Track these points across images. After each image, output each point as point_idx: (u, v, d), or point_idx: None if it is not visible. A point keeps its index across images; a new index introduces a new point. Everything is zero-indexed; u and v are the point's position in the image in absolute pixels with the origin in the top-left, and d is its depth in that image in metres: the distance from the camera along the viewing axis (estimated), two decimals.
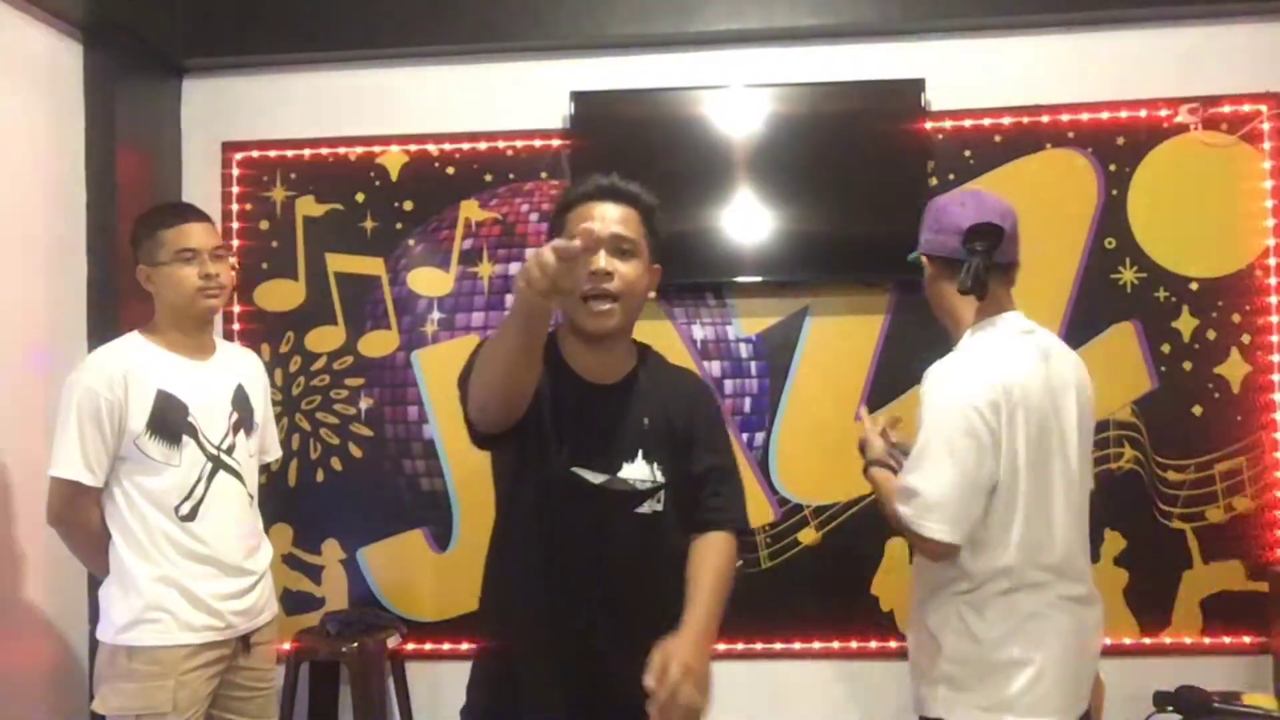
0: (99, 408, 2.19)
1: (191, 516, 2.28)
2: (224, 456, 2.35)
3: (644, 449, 1.78)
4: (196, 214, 2.38)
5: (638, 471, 1.77)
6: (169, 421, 2.26)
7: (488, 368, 1.57)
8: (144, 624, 2.22)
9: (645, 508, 1.78)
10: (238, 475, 2.37)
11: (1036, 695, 1.91)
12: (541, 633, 1.76)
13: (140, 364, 2.26)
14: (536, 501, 1.76)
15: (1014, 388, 1.91)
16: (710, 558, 1.81)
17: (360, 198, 3.38)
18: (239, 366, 2.46)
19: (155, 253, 2.29)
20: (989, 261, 1.94)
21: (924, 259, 2.08)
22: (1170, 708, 2.77)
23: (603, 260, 1.71)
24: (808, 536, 3.24)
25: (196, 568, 2.27)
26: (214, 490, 2.31)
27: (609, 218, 1.76)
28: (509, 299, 3.31)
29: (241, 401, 2.42)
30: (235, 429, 2.38)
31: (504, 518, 1.86)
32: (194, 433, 2.29)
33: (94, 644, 2.97)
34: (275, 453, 2.64)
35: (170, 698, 2.20)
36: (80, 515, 2.26)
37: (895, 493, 1.99)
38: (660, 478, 1.79)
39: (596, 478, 1.75)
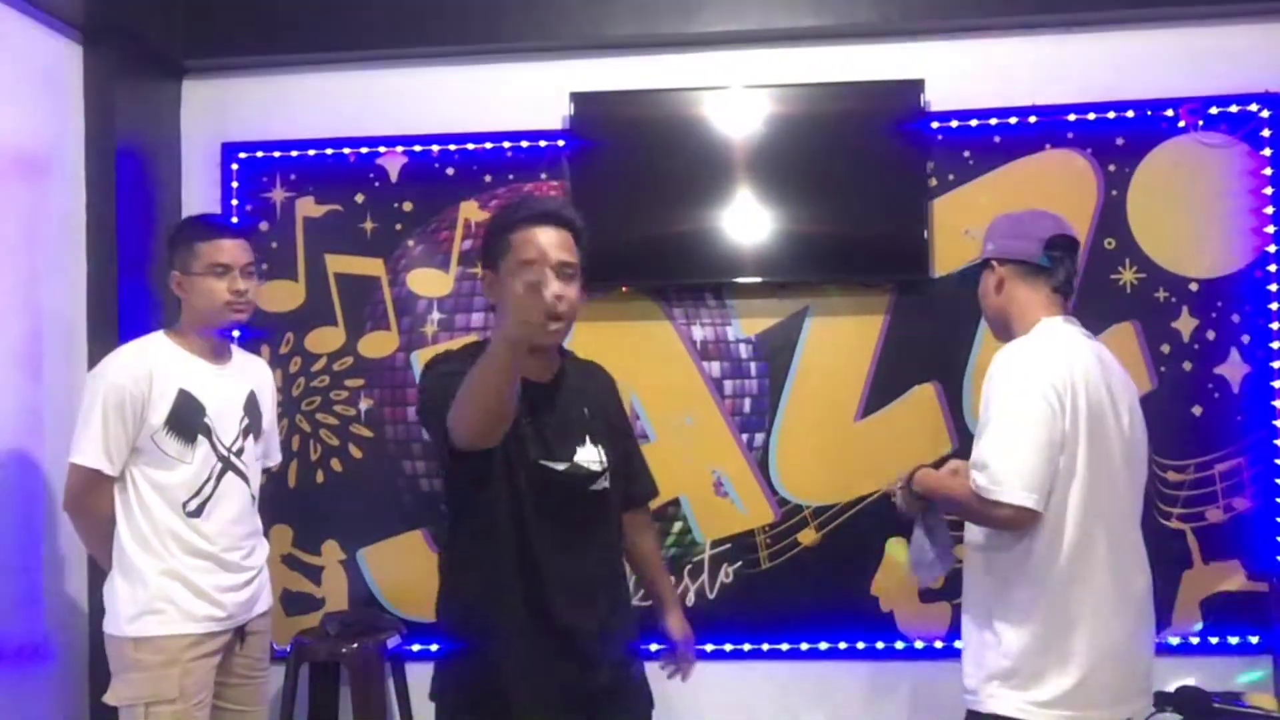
0: (123, 401, 2.29)
1: (198, 513, 2.37)
2: (233, 458, 2.44)
3: (589, 434, 1.98)
4: (232, 230, 2.49)
5: (588, 455, 1.96)
6: (186, 420, 2.36)
7: (480, 405, 1.66)
8: (149, 615, 2.31)
9: (598, 485, 1.97)
10: (244, 477, 2.47)
11: (1094, 688, 1.96)
12: (521, 618, 1.88)
13: (164, 362, 2.37)
14: (510, 496, 1.88)
15: (1077, 378, 1.98)
16: (648, 537, 2.25)
17: (360, 198, 3.38)
18: (252, 374, 2.57)
19: (189, 262, 2.39)
20: (1074, 267, 2.15)
21: (994, 263, 2.15)
22: (1170, 708, 2.77)
23: (555, 287, 1.83)
24: (807, 537, 3.24)
25: (199, 562, 2.36)
26: (221, 490, 2.41)
27: (554, 243, 1.88)
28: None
29: (253, 407, 2.51)
30: (245, 433, 2.48)
31: (471, 519, 1.94)
32: (208, 433, 2.39)
33: (94, 638, 3.00)
34: (276, 458, 2.73)
35: (177, 685, 2.29)
36: (96, 503, 2.35)
37: (952, 481, 2.06)
38: (605, 459, 1.98)
39: (559, 466, 1.92)
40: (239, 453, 2.46)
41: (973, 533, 2.10)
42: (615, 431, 2.08)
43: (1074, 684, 1.95)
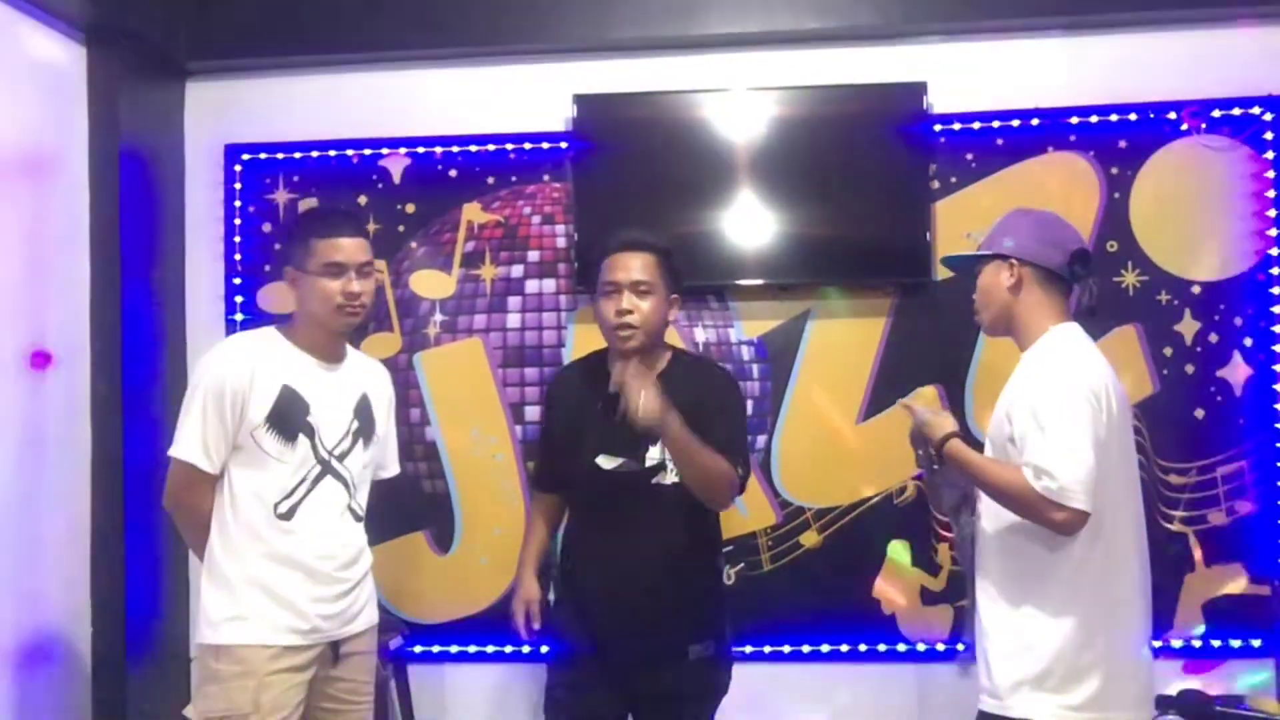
0: (223, 394, 2.17)
1: (289, 515, 2.22)
2: (334, 462, 2.28)
3: None
4: (351, 227, 2.32)
5: (657, 453, 2.30)
6: (288, 417, 2.22)
7: None
8: (229, 622, 2.17)
9: (659, 480, 2.32)
10: (345, 483, 2.30)
11: (1121, 690, 1.97)
12: (571, 601, 2.44)
13: (270, 357, 2.25)
14: (568, 489, 2.47)
15: (1109, 381, 2.02)
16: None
17: (363, 200, 3.38)
18: (367, 377, 2.41)
19: (304, 260, 2.25)
20: (1096, 287, 2.14)
21: (1014, 262, 2.10)
22: (1173, 711, 2.77)
23: (625, 301, 2.29)
24: (810, 539, 3.24)
25: (286, 570, 2.20)
26: (316, 494, 2.25)
27: (630, 266, 2.32)
28: (511, 301, 3.32)
29: (364, 411, 2.36)
30: (354, 437, 2.32)
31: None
32: (311, 433, 2.24)
33: (95, 642, 3.01)
34: (393, 469, 2.54)
35: (252, 698, 2.12)
36: (194, 499, 2.23)
37: (1000, 470, 2.00)
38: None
39: (609, 464, 2.33)
40: (342, 456, 2.28)
41: (999, 523, 2.06)
42: (702, 430, 2.21)
43: (1101, 686, 1.94)
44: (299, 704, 2.19)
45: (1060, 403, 1.94)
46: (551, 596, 2.55)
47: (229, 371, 2.19)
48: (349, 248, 2.25)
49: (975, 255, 2.19)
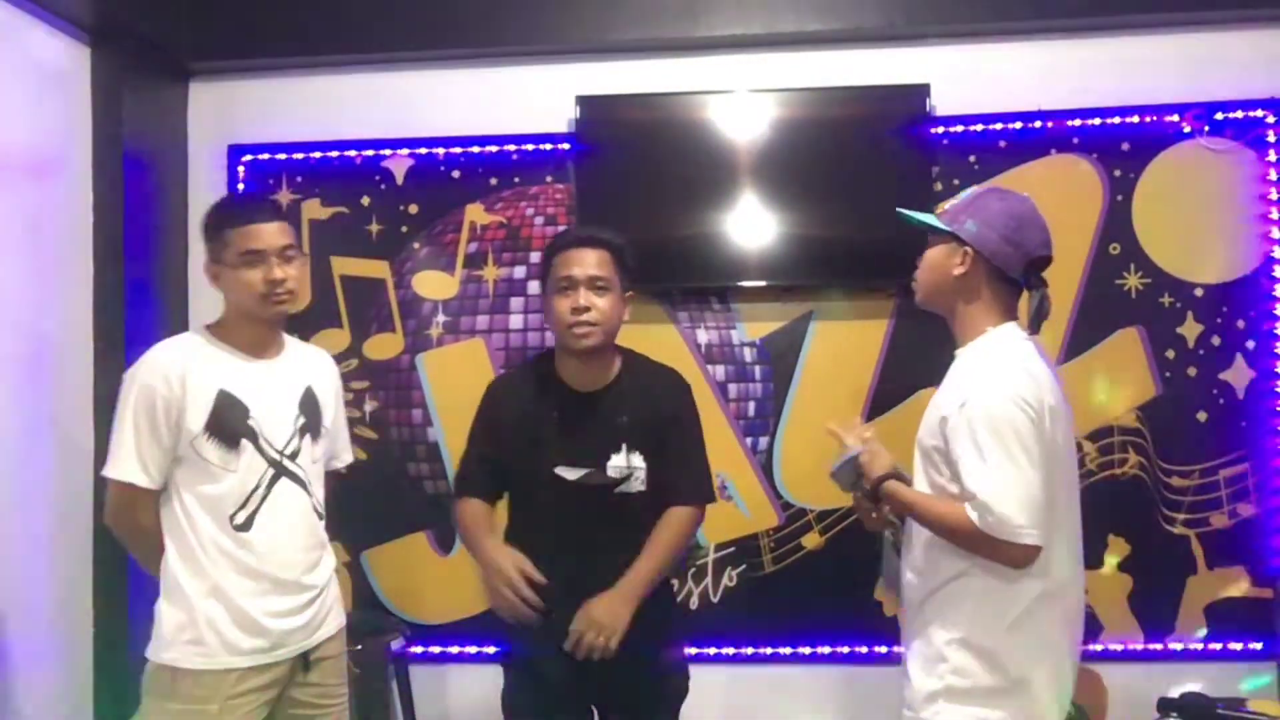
0: (154, 405, 2.05)
1: (247, 526, 2.11)
2: (287, 462, 2.17)
3: (627, 442, 2.21)
4: (266, 212, 2.19)
5: (620, 462, 2.21)
6: (228, 424, 2.10)
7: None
8: (189, 645, 2.07)
9: (624, 490, 2.21)
10: (301, 483, 2.19)
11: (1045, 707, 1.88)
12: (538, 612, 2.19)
13: (201, 361, 2.12)
14: (525, 501, 2.29)
15: (1044, 387, 1.88)
16: (661, 530, 2.24)
17: (366, 201, 3.39)
18: (308, 367, 2.29)
19: (221, 251, 2.14)
20: (1046, 305, 1.98)
21: (970, 248, 1.94)
22: (1175, 714, 2.77)
23: (582, 298, 2.18)
24: (811, 541, 3.23)
25: (248, 583, 2.10)
26: (273, 499, 2.14)
27: (586, 262, 2.21)
28: (513, 302, 3.32)
29: (309, 404, 2.24)
30: (301, 433, 2.21)
31: (510, 513, 2.38)
32: (254, 436, 2.12)
33: (97, 649, 3.01)
34: (346, 458, 2.43)
35: None
36: (136, 519, 2.11)
37: (939, 506, 1.88)
38: (640, 463, 2.21)
39: (573, 474, 2.20)
40: (294, 455, 2.17)
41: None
42: (661, 438, 2.22)
43: (1036, 701, 1.86)
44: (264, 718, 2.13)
45: (999, 425, 1.80)
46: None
47: (158, 381, 2.06)
48: (266, 233, 2.13)
49: (931, 224, 2.03)
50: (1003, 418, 1.81)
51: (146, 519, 2.11)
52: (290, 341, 2.30)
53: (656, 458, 2.22)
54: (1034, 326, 1.98)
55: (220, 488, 2.09)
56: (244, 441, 2.11)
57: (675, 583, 3.05)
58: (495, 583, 2.18)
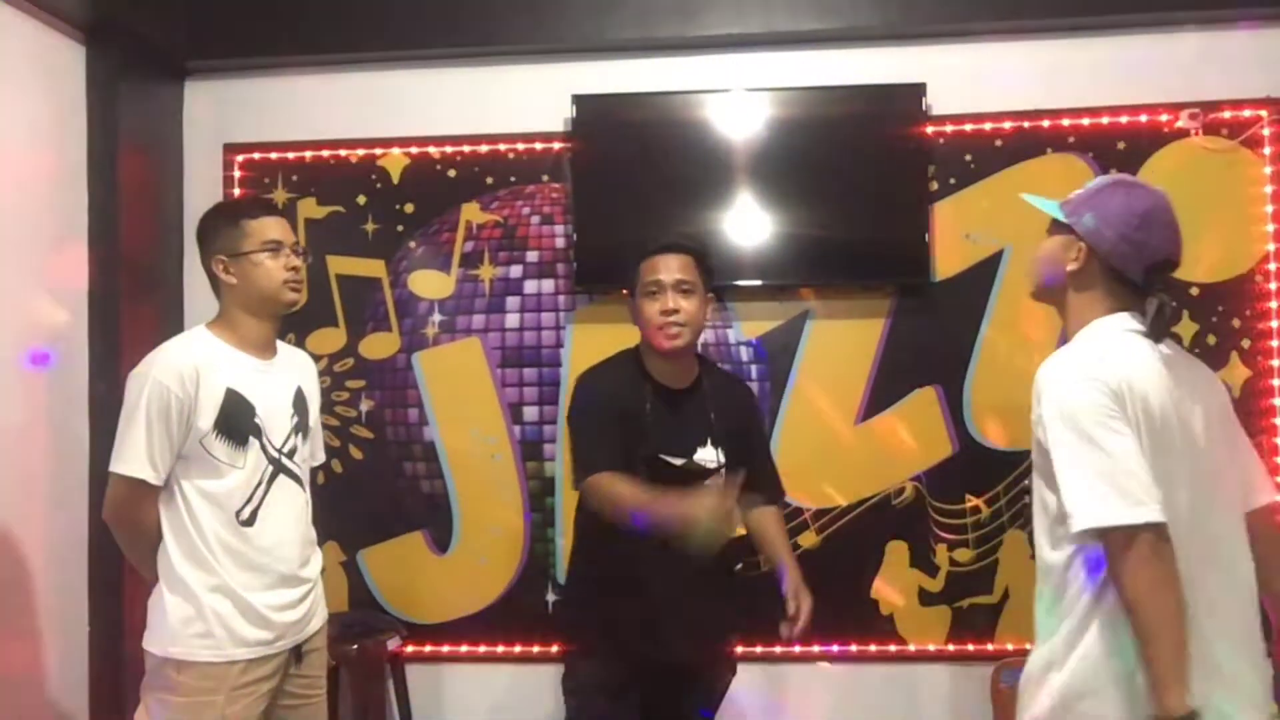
0: (168, 404, 2.08)
1: (251, 521, 2.16)
2: (285, 460, 2.24)
3: (711, 437, 2.37)
4: (276, 209, 2.34)
5: (707, 454, 2.35)
6: (236, 422, 2.15)
7: (610, 515, 2.23)
8: (196, 638, 2.10)
9: (710, 481, 2.32)
10: (297, 479, 2.27)
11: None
12: (622, 586, 2.32)
13: (211, 361, 2.15)
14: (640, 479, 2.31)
15: (1132, 365, 1.71)
16: (775, 524, 2.49)
17: (362, 200, 3.39)
18: (296, 370, 2.35)
19: (239, 242, 2.18)
20: (1174, 311, 1.82)
21: (1085, 244, 1.81)
22: None
23: (670, 301, 2.31)
24: (808, 540, 3.24)
25: (252, 577, 2.14)
26: (273, 494, 2.20)
27: (671, 267, 2.34)
28: (510, 301, 3.32)
29: (300, 404, 2.31)
30: (295, 431, 2.27)
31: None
32: (259, 434, 2.18)
33: (93, 647, 3.00)
34: (320, 456, 2.50)
35: (220, 714, 2.08)
36: (139, 514, 2.14)
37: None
38: (722, 459, 2.36)
39: (678, 460, 2.33)
40: (291, 453, 2.24)
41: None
42: (739, 438, 2.40)
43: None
44: (263, 710, 2.16)
45: (1073, 412, 1.66)
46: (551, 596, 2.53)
47: (171, 381, 2.09)
48: (281, 226, 2.24)
49: (1051, 213, 1.88)
50: (1073, 402, 1.66)
51: (149, 515, 2.14)
52: (280, 344, 2.35)
53: (731, 455, 2.37)
54: (1155, 337, 1.78)
55: (226, 483, 2.14)
56: (251, 439, 2.17)
57: None
58: (702, 508, 2.04)
